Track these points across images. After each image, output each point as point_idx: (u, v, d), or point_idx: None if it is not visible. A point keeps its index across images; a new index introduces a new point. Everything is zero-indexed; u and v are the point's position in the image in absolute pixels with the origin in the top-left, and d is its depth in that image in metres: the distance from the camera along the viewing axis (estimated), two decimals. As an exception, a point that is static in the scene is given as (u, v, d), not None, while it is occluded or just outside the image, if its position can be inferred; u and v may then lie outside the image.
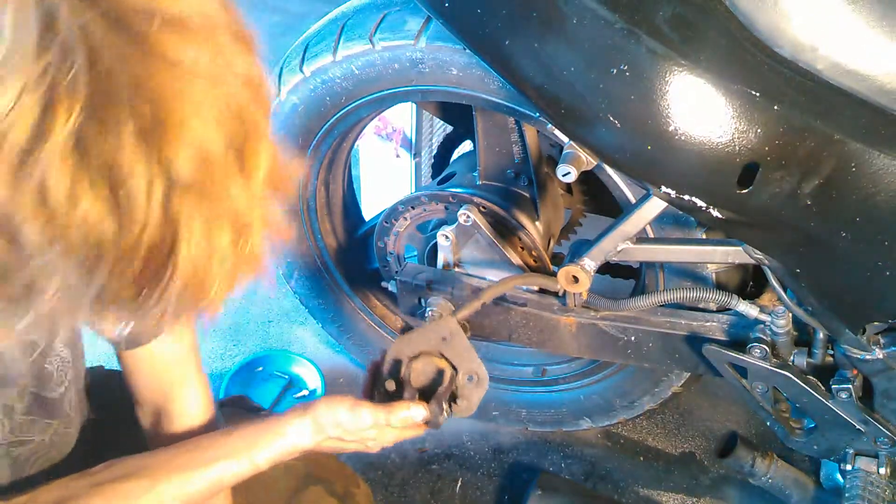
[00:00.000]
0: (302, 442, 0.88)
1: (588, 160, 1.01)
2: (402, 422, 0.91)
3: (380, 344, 1.71)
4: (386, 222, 1.45)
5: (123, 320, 0.51)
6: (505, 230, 1.33)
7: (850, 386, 1.09)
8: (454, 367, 0.94)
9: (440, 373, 0.94)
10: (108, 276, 0.44)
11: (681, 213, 1.14)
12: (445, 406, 0.92)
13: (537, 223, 1.37)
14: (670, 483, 1.59)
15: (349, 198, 1.64)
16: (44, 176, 0.40)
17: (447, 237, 1.34)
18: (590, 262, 1.16)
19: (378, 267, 1.54)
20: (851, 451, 1.18)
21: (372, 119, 1.48)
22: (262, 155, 0.48)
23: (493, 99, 1.18)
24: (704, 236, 1.17)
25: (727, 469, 1.59)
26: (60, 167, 0.40)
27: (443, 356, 0.95)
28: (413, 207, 1.40)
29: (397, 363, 0.95)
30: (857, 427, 1.13)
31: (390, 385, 0.94)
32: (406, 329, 1.01)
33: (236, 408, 1.16)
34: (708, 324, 1.22)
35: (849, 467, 1.18)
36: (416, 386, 0.94)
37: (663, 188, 0.87)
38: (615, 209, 1.29)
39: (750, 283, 1.26)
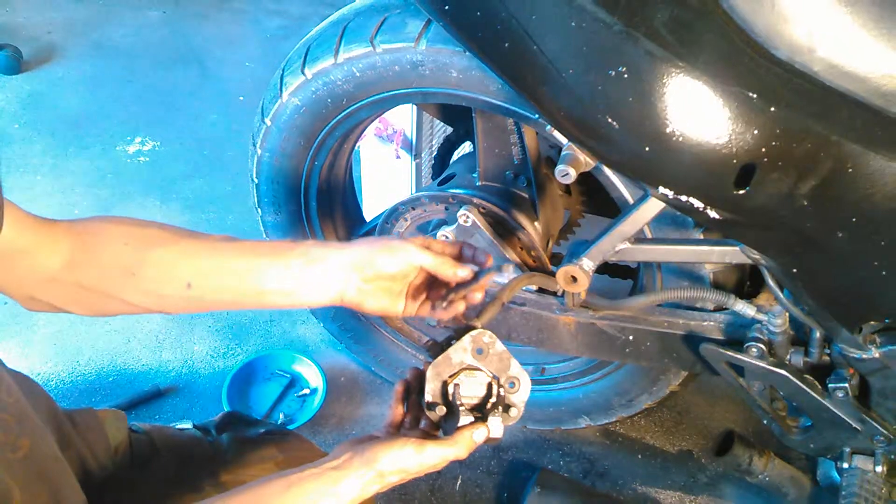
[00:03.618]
0: (366, 495, 0.83)
1: (587, 161, 1.01)
2: (469, 450, 0.87)
3: (379, 343, 1.71)
4: (386, 223, 1.46)
5: None
6: (504, 231, 1.34)
7: (847, 385, 1.10)
8: (495, 377, 0.93)
9: (485, 386, 0.92)
10: None
11: (678, 213, 1.15)
12: (501, 418, 0.90)
13: (536, 224, 1.38)
14: (668, 481, 1.60)
15: (350, 199, 1.64)
16: None
17: (447, 237, 1.35)
18: (588, 263, 1.17)
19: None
20: (848, 450, 1.18)
21: (373, 121, 1.49)
22: None
23: (493, 101, 1.18)
24: (702, 236, 1.17)
25: (724, 467, 1.59)
26: None
27: (481, 368, 0.93)
28: (413, 208, 1.41)
29: (442, 386, 0.92)
30: (854, 425, 1.13)
31: (441, 410, 0.91)
32: (433, 345, 0.98)
33: (235, 429, 1.15)
34: (705, 323, 1.22)
35: (845, 465, 1.18)
36: (468, 407, 0.91)
37: (661, 189, 0.88)
38: (613, 210, 1.29)
39: (747, 283, 1.26)
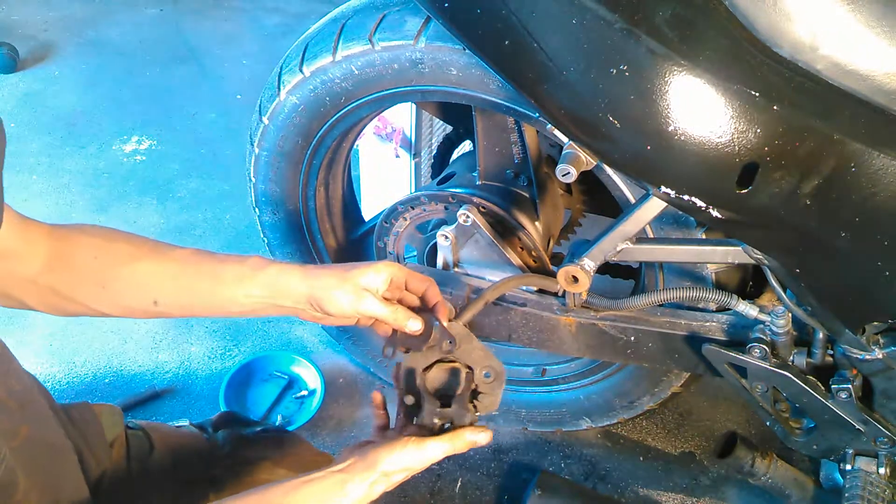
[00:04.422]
0: (373, 495, 0.86)
1: (588, 160, 1.01)
2: (468, 446, 0.90)
3: (377, 345, 1.71)
4: (386, 222, 1.45)
5: None
6: (504, 230, 1.33)
7: (850, 386, 1.09)
8: (469, 368, 0.95)
9: (458, 377, 0.95)
10: None
11: (680, 213, 1.14)
12: (469, 406, 0.93)
13: (537, 223, 1.37)
14: (670, 483, 1.60)
15: (349, 198, 1.64)
16: None
17: (447, 237, 1.34)
18: (589, 262, 1.16)
19: (378, 267, 1.53)
20: (851, 451, 1.18)
21: (371, 119, 1.48)
22: None
23: (493, 99, 1.17)
24: (704, 236, 1.16)
25: (727, 469, 1.59)
26: None
27: (456, 360, 0.95)
28: (413, 207, 1.40)
29: (412, 377, 0.95)
30: (857, 427, 1.13)
31: (409, 399, 0.94)
32: (413, 338, 1.01)
33: (232, 428, 1.15)
34: (707, 324, 1.21)
35: (848, 467, 1.18)
36: (432, 392, 0.94)
37: (663, 188, 0.87)
38: (615, 209, 1.29)
39: (749, 283, 1.26)
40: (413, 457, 0.86)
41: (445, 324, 0.97)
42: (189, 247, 0.96)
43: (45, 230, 0.89)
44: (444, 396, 0.95)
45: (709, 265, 1.20)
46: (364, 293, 0.92)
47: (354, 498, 0.83)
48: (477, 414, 0.94)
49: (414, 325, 0.94)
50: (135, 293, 0.92)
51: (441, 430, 0.93)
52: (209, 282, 0.93)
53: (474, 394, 0.95)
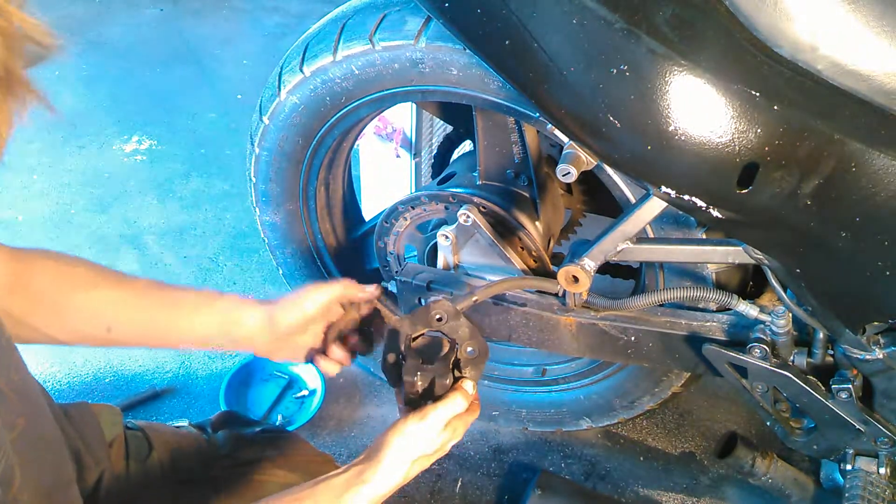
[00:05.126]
0: (395, 479, 0.87)
1: (588, 160, 1.01)
2: (468, 399, 0.93)
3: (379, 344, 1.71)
4: (386, 222, 1.45)
5: None
6: (505, 230, 1.33)
7: (850, 386, 1.09)
8: (454, 343, 0.98)
9: (441, 347, 0.97)
10: None
11: (681, 213, 1.14)
12: (449, 373, 0.94)
13: (537, 223, 1.37)
14: (670, 483, 1.60)
15: (349, 198, 1.64)
16: None
17: (447, 237, 1.34)
18: (590, 262, 1.16)
19: (378, 267, 1.54)
20: (851, 451, 1.18)
21: (372, 119, 1.48)
22: None
23: (493, 99, 1.18)
24: (704, 236, 1.17)
25: (727, 469, 1.59)
26: None
27: (440, 333, 0.98)
28: (413, 207, 1.40)
29: (396, 338, 0.98)
30: (857, 427, 1.13)
31: (391, 357, 0.97)
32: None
33: (232, 428, 1.16)
34: (708, 324, 1.21)
35: (849, 467, 1.18)
36: (415, 352, 0.97)
37: (663, 188, 0.87)
38: (615, 209, 1.29)
39: (750, 283, 1.26)
40: (418, 430, 0.88)
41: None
42: (145, 278, 0.99)
43: (6, 252, 0.89)
44: (427, 359, 0.97)
45: (709, 265, 1.20)
46: (320, 288, 1.01)
47: (375, 484, 0.85)
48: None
49: (369, 287, 1.02)
50: (89, 319, 0.93)
51: (424, 393, 0.95)
52: (168, 310, 0.96)
53: (456, 364, 0.97)
